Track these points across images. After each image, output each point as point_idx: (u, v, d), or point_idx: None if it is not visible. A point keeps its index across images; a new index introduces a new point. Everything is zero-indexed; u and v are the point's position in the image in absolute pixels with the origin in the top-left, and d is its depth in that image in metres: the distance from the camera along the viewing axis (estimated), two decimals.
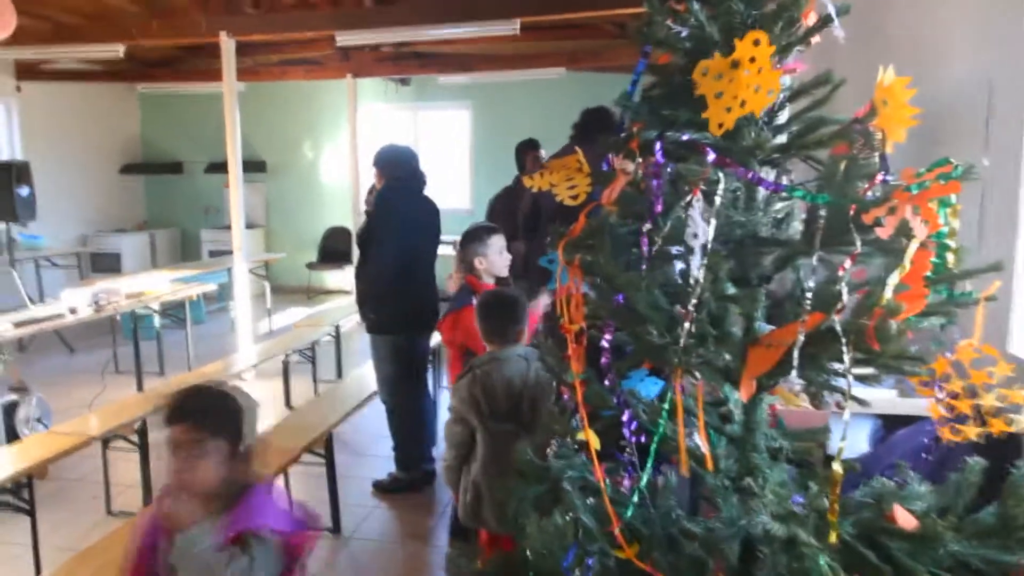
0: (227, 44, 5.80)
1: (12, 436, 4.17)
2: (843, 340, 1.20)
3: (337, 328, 6.02)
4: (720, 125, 1.28)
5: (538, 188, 1.56)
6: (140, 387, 5.77)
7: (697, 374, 1.36)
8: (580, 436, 1.58)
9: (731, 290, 1.36)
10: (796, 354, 1.23)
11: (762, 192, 1.42)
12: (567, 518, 1.45)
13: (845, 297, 1.21)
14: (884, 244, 1.26)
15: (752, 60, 1.25)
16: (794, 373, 1.23)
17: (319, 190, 10.00)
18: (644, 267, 1.34)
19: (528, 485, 1.70)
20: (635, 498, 1.38)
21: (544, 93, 8.63)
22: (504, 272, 3.24)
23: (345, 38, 5.93)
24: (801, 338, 1.23)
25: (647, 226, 1.32)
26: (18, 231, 7.39)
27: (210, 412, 1.67)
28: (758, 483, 1.44)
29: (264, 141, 9.88)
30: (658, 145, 1.32)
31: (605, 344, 1.43)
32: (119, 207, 9.95)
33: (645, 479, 1.38)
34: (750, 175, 1.29)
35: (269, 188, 10.13)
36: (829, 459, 1.29)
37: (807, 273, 1.30)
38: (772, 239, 1.39)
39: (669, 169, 1.34)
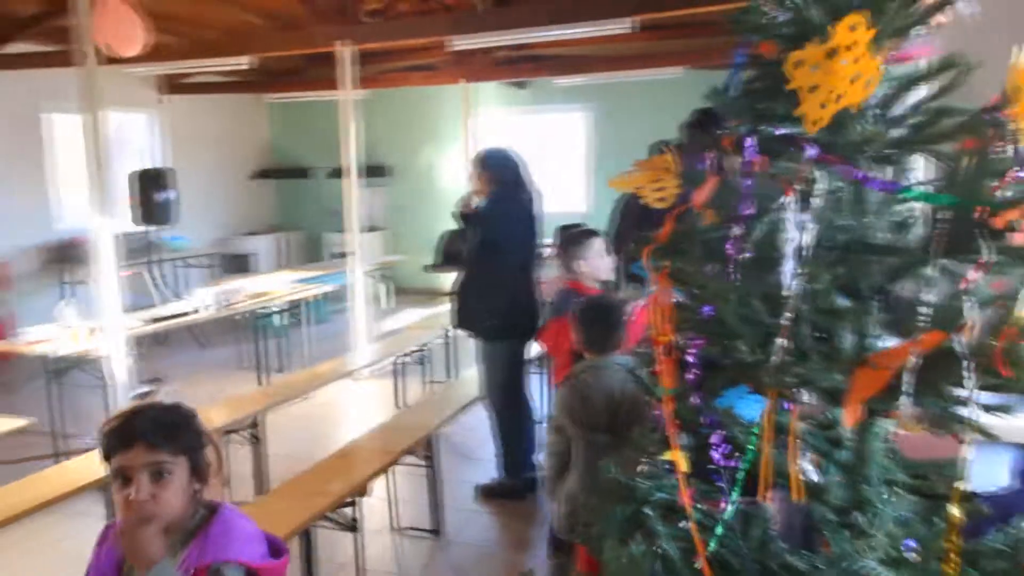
0: (343, 53, 5.96)
1: None
2: (966, 363, 1.04)
3: (448, 331, 6.07)
4: (815, 122, 1.14)
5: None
6: (262, 382, 6.01)
7: (795, 395, 1.23)
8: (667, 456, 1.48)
9: (838, 303, 1.23)
10: (908, 378, 1.08)
11: (876, 193, 1.27)
12: (647, 545, 1.35)
13: (970, 313, 1.06)
14: (1019, 252, 1.09)
15: (849, 48, 1.10)
16: (905, 399, 1.08)
17: (439, 194, 10.15)
18: (734, 276, 1.22)
19: (612, 505, 1.60)
20: (719, 528, 1.26)
21: (663, 93, 8.41)
22: (607, 275, 3.15)
23: (457, 42, 5.97)
24: (915, 360, 1.08)
25: (735, 230, 1.20)
26: (163, 233, 7.91)
27: (167, 428, 1.47)
28: (868, 520, 1.29)
29: (387, 146, 10.15)
30: (749, 141, 1.20)
31: (691, 359, 1.32)
32: (251, 211, 10.49)
33: (731, 507, 1.25)
34: (855, 173, 1.15)
35: (391, 192, 10.40)
36: (964, 495, 1.13)
37: (924, 286, 1.14)
38: (884, 246, 1.23)
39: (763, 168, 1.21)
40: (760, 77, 1.41)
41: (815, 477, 1.45)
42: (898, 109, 1.30)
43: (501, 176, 3.83)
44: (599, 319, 2.55)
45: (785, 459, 1.38)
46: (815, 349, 1.22)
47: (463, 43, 6.02)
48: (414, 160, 10.26)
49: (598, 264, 3.16)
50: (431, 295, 9.85)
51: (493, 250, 3.78)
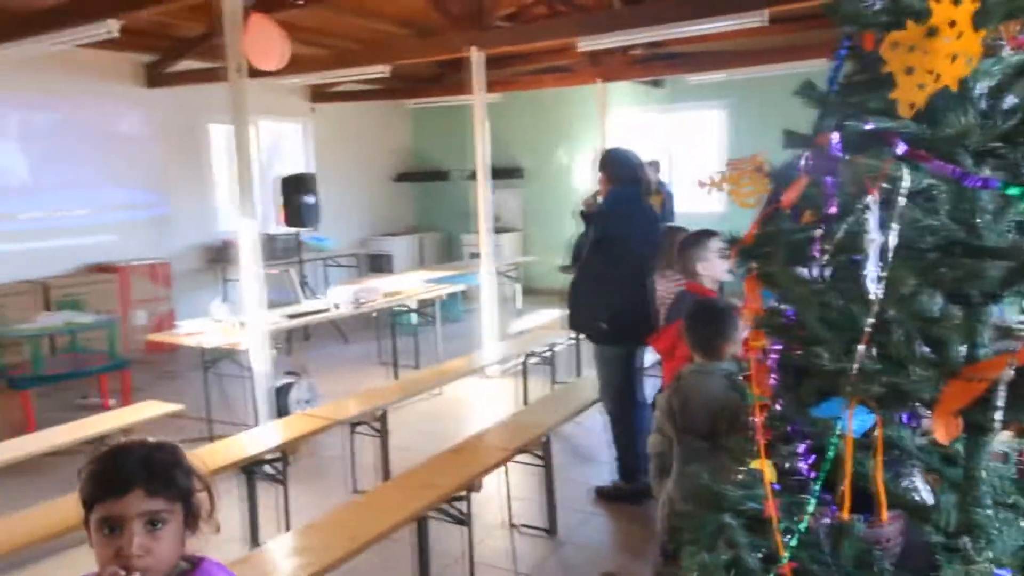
0: (476, 57, 6.11)
1: (284, 413, 4.71)
2: None
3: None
4: (911, 105, 1.07)
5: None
6: (396, 377, 6.25)
7: (882, 404, 1.16)
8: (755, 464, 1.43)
9: (938, 308, 1.15)
10: (1002, 391, 1.00)
11: (988, 192, 1.17)
12: (728, 554, 1.31)
13: None
14: None
15: (952, 24, 1.03)
16: (998, 414, 1.00)
17: (573, 195, 10.16)
18: (817, 278, 1.17)
19: (702, 512, 1.57)
20: (794, 541, 1.20)
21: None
22: (725, 277, 3.06)
23: (588, 42, 5.97)
24: (1011, 372, 1.00)
25: (818, 231, 1.15)
26: (308, 234, 8.40)
27: (164, 471, 1.29)
28: (977, 546, 1.20)
29: (521, 148, 10.30)
30: (835, 137, 1.14)
31: (773, 364, 1.27)
32: (392, 212, 10.93)
33: (809, 519, 1.19)
34: (951, 170, 1.07)
35: (525, 193, 10.54)
36: None
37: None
38: (984, 248, 1.14)
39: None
40: (858, 70, 1.34)
41: (927, 497, 1.37)
42: (1009, 100, 1.20)
43: (619, 176, 3.80)
44: (708, 322, 2.49)
45: (893, 475, 1.31)
46: (909, 356, 1.15)
47: (592, 43, 6.01)
48: (548, 162, 10.34)
49: (716, 266, 3.08)
50: (561, 296, 9.87)
51: (605, 250, 3.76)
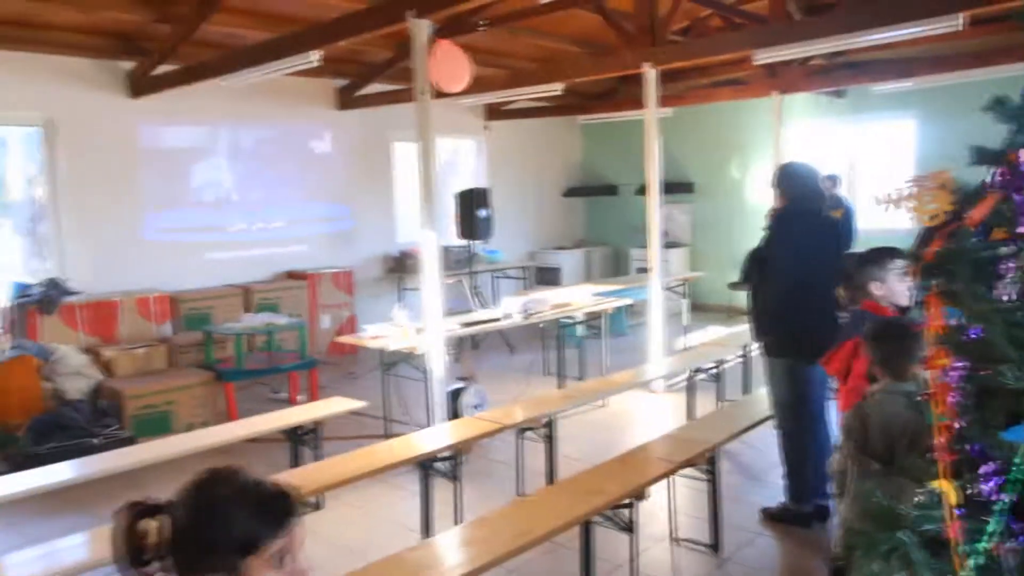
0: (650, 74, 6.15)
1: (455, 416, 4.96)
2: None
3: (746, 349, 5.95)
4: None
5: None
6: (561, 387, 6.38)
7: None
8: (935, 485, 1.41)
9: None
10: None
11: None
12: (901, 571, 1.30)
13: None
14: None
15: None
16: None
17: (745, 210, 9.93)
18: (1005, 296, 1.15)
19: (877, 531, 1.55)
20: (974, 562, 1.18)
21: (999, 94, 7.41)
22: (905, 300, 2.91)
23: (765, 55, 5.84)
24: None
25: (1006, 248, 1.13)
26: (480, 247, 8.76)
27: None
28: None
29: (692, 163, 10.20)
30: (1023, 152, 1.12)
31: (951, 383, 1.25)
32: (561, 227, 11.14)
33: (984, 542, 1.17)
34: None
35: (696, 208, 10.41)
36: None
37: None
38: None
39: None
40: None
41: None
42: None
43: (791, 191, 3.73)
44: (892, 341, 2.42)
45: None
46: None
47: (770, 56, 5.87)
48: (719, 176, 10.16)
49: (896, 288, 2.93)
50: (729, 313, 9.66)
51: (774, 265, 3.70)
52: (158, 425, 5.45)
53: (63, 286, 6.25)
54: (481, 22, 5.92)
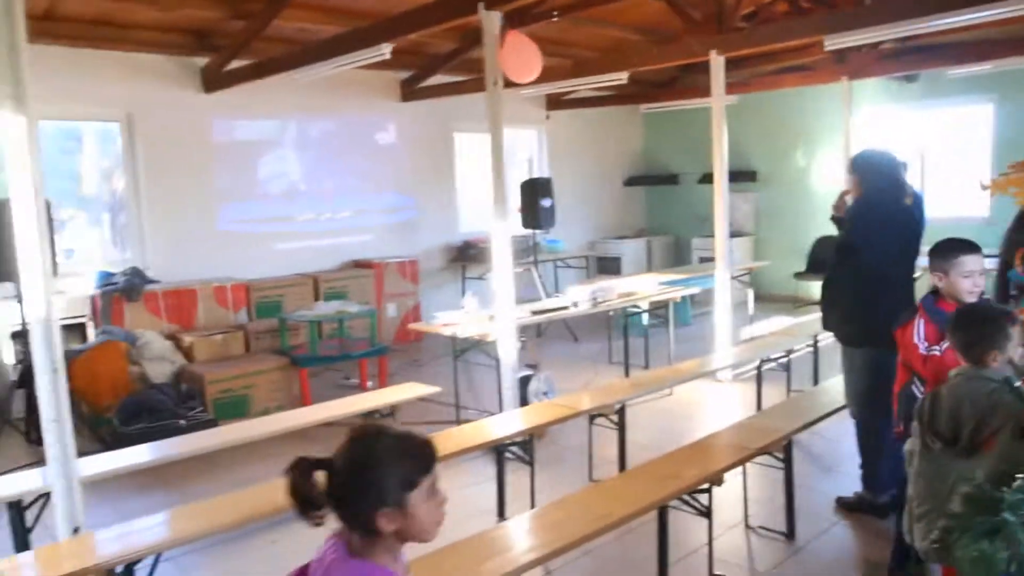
0: (716, 61, 6.10)
1: (523, 402, 5.03)
2: None
3: (815, 339, 5.88)
4: None
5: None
6: (627, 375, 6.40)
7: None
8: None
9: None
10: None
11: None
12: (1007, 548, 1.32)
13: None
14: None
15: None
16: None
17: (810, 199, 9.77)
18: None
19: (974, 513, 1.57)
20: None
21: None
22: (969, 298, 2.83)
23: (834, 41, 5.74)
24: None
25: None
26: (542, 236, 8.81)
27: None
28: None
29: (755, 151, 10.06)
30: None
31: None
32: (622, 216, 11.13)
33: None
34: None
35: (759, 197, 10.28)
36: None
37: None
38: None
39: None
40: None
41: None
42: None
43: (867, 178, 3.68)
44: (971, 328, 2.41)
45: None
46: None
47: (839, 41, 5.77)
48: (784, 164, 10.01)
49: (958, 283, 2.84)
50: (794, 302, 9.53)
51: (850, 253, 3.67)
52: (236, 408, 5.66)
53: (144, 275, 6.52)
54: (555, 13, 5.95)
